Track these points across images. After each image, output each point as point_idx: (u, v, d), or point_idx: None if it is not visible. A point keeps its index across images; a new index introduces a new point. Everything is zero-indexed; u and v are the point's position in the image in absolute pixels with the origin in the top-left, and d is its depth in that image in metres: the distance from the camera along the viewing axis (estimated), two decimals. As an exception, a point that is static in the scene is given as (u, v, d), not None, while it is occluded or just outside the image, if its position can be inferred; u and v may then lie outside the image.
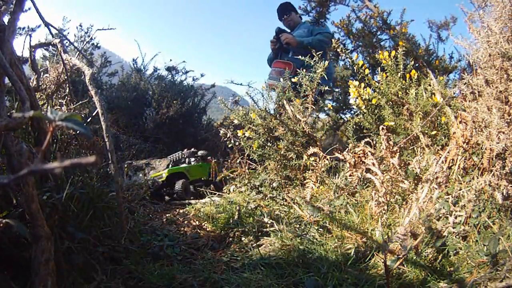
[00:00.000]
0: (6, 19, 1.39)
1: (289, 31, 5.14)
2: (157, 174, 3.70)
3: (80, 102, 2.25)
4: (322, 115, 6.97)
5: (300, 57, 2.95)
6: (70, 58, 1.73)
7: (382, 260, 1.27)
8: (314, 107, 2.77)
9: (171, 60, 8.19)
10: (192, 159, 4.05)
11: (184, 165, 3.92)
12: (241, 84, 3.18)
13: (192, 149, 4.19)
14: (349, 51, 4.02)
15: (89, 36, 7.65)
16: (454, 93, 2.25)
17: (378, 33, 4.57)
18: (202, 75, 8.68)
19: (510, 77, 1.49)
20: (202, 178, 3.95)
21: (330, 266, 1.26)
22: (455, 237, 1.42)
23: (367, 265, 1.30)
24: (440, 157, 1.94)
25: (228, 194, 2.77)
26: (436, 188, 1.71)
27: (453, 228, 1.44)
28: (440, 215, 1.53)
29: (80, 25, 7.74)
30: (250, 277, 1.27)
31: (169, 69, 8.01)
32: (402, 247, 1.19)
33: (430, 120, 2.27)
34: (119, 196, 1.53)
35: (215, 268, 1.44)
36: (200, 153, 4.12)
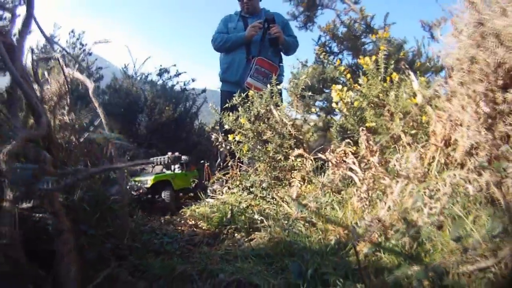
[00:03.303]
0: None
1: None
2: (142, 179, 3.40)
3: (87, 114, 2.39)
4: (313, 116, 7.15)
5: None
6: (73, 72, 1.86)
7: (362, 249, 1.43)
8: (298, 111, 2.93)
9: (161, 65, 8.07)
10: (177, 165, 3.79)
11: (169, 172, 3.62)
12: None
13: (176, 154, 3.88)
14: (332, 58, 4.22)
15: (80, 43, 7.73)
16: (435, 93, 2.39)
17: (362, 36, 4.75)
18: (193, 80, 8.40)
19: (476, 79, 1.65)
20: (186, 187, 3.70)
21: (313, 254, 1.41)
22: (430, 227, 1.57)
23: (347, 253, 1.45)
24: (419, 154, 2.10)
25: (221, 195, 2.90)
26: (413, 183, 1.87)
27: (428, 218, 1.60)
28: (417, 208, 1.69)
29: (72, 31, 7.80)
30: (242, 266, 1.42)
31: (160, 73, 7.92)
32: (369, 231, 1.35)
33: (412, 120, 2.43)
34: (124, 198, 1.67)
35: (211, 260, 1.58)
36: (183, 158, 3.87)
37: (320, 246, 1.54)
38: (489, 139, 1.61)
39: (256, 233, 1.91)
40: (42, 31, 1.72)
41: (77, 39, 7.79)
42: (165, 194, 3.26)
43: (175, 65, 8.32)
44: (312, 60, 6.38)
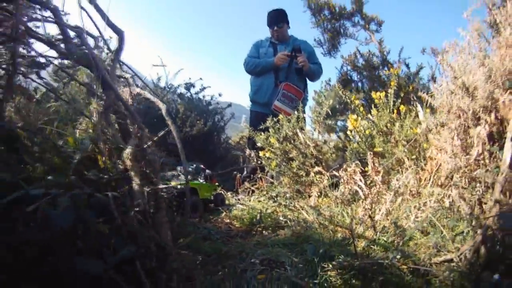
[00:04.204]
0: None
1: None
2: (176, 184, 3.29)
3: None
4: (334, 136, 7.63)
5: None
6: (144, 93, 2.13)
7: (361, 244, 1.93)
8: (320, 133, 3.45)
9: (190, 78, 8.36)
10: (202, 176, 3.85)
11: (196, 181, 3.69)
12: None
13: (201, 166, 3.97)
14: (352, 85, 4.73)
15: (108, 49, 8.11)
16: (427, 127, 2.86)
17: (380, 67, 5.27)
18: (220, 95, 8.63)
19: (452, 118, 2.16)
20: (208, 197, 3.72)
21: (324, 244, 1.91)
22: (416, 231, 2.05)
23: (349, 244, 1.93)
24: (417, 175, 2.60)
25: (249, 202, 3.40)
26: (408, 198, 2.38)
27: (413, 224, 2.08)
28: (406, 216, 2.19)
29: (102, 38, 8.19)
30: (271, 250, 1.91)
31: (187, 87, 8.18)
32: (362, 221, 1.85)
33: (413, 146, 2.91)
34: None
35: (246, 246, 2.08)
36: (207, 172, 3.92)
37: (330, 239, 2.03)
38: (463, 166, 2.09)
39: (280, 230, 2.40)
40: (121, 62, 2.24)
41: (105, 44, 8.16)
42: (194, 200, 3.40)
43: (201, 79, 8.36)
44: (335, 79, 6.93)
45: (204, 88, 8.30)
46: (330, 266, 1.62)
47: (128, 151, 1.27)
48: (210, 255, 1.93)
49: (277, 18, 4.84)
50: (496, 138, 1.94)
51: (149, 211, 1.16)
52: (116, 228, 1.04)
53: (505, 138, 1.69)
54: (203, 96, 8.31)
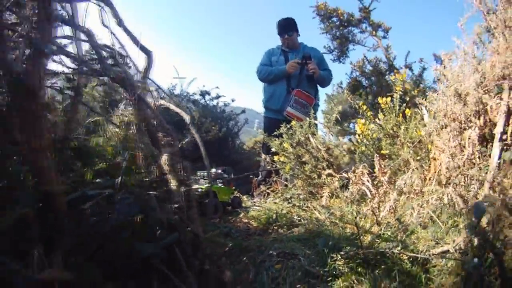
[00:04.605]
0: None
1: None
2: (199, 187, 3.51)
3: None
4: (345, 139, 7.83)
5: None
6: (169, 104, 2.29)
7: (367, 238, 2.15)
8: (331, 136, 3.66)
9: (204, 85, 8.67)
10: (220, 180, 3.96)
11: (216, 185, 3.77)
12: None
13: (219, 171, 4.11)
14: (361, 91, 4.95)
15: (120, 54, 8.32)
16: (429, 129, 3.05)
17: (387, 73, 5.49)
18: (233, 100, 8.86)
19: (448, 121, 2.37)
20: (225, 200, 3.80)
21: (334, 238, 2.13)
22: (418, 226, 2.25)
23: (356, 238, 2.14)
24: (422, 175, 2.80)
25: (265, 204, 3.61)
26: (412, 196, 2.58)
27: (415, 220, 2.29)
28: (409, 213, 2.39)
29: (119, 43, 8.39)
30: (286, 245, 2.12)
31: (202, 94, 8.42)
32: (368, 218, 2.07)
33: (419, 148, 3.10)
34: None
35: (264, 242, 2.30)
36: (225, 176, 4.05)
37: (340, 234, 2.25)
38: (460, 165, 2.29)
39: (294, 228, 2.61)
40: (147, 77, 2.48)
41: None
42: (214, 202, 3.47)
43: (218, 87, 8.66)
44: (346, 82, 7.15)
45: (219, 96, 8.54)
46: (339, 256, 1.84)
47: (164, 157, 1.51)
48: (233, 248, 2.16)
49: (287, 27, 5.02)
50: (488, 139, 2.14)
51: (185, 208, 1.39)
52: (160, 220, 1.28)
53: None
54: (217, 103, 8.55)
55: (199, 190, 3.33)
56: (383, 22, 6.50)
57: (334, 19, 6.83)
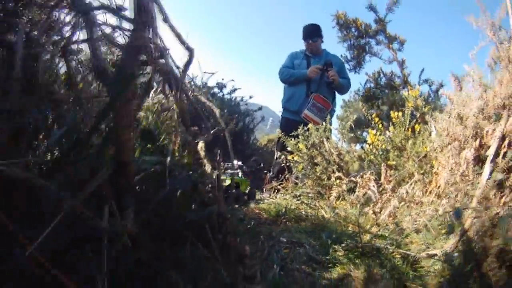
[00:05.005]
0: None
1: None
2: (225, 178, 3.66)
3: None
4: (357, 147, 8.05)
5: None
6: (200, 97, 2.25)
7: (366, 237, 2.41)
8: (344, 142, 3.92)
9: (223, 79, 8.76)
10: (240, 172, 4.21)
11: (237, 177, 4.02)
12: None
13: (240, 163, 4.40)
14: (374, 101, 5.17)
15: None
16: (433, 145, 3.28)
17: (401, 87, 5.70)
18: (250, 97, 9.05)
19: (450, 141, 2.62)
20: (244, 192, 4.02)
21: (336, 233, 2.39)
22: (413, 231, 2.50)
23: (357, 236, 2.40)
24: (425, 187, 3.05)
25: (275, 199, 3.86)
26: (411, 205, 2.83)
27: (411, 226, 2.54)
28: (407, 220, 2.65)
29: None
30: (294, 235, 2.39)
31: (220, 87, 8.55)
32: (368, 219, 2.33)
33: (425, 162, 3.34)
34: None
35: (274, 231, 2.56)
36: (245, 168, 4.37)
37: (342, 231, 2.51)
38: (458, 181, 2.53)
39: (302, 222, 2.86)
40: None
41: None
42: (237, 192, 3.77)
43: (233, 80, 8.89)
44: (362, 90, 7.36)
45: (235, 89, 8.72)
46: (340, 248, 2.11)
47: (201, 144, 1.79)
48: (244, 234, 2.43)
49: (312, 33, 5.20)
50: (483, 160, 2.38)
51: (216, 188, 1.65)
52: (200, 196, 1.57)
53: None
54: (234, 98, 8.75)
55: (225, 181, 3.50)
56: (399, 35, 6.67)
57: (353, 29, 7.05)
